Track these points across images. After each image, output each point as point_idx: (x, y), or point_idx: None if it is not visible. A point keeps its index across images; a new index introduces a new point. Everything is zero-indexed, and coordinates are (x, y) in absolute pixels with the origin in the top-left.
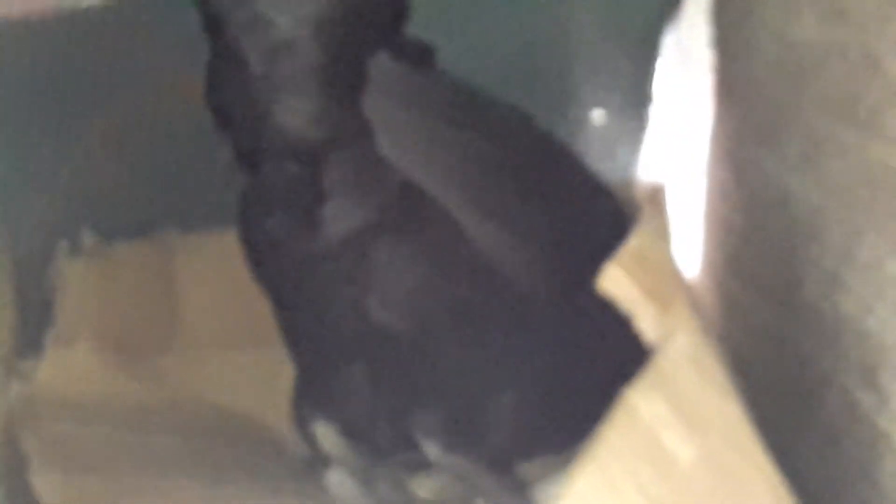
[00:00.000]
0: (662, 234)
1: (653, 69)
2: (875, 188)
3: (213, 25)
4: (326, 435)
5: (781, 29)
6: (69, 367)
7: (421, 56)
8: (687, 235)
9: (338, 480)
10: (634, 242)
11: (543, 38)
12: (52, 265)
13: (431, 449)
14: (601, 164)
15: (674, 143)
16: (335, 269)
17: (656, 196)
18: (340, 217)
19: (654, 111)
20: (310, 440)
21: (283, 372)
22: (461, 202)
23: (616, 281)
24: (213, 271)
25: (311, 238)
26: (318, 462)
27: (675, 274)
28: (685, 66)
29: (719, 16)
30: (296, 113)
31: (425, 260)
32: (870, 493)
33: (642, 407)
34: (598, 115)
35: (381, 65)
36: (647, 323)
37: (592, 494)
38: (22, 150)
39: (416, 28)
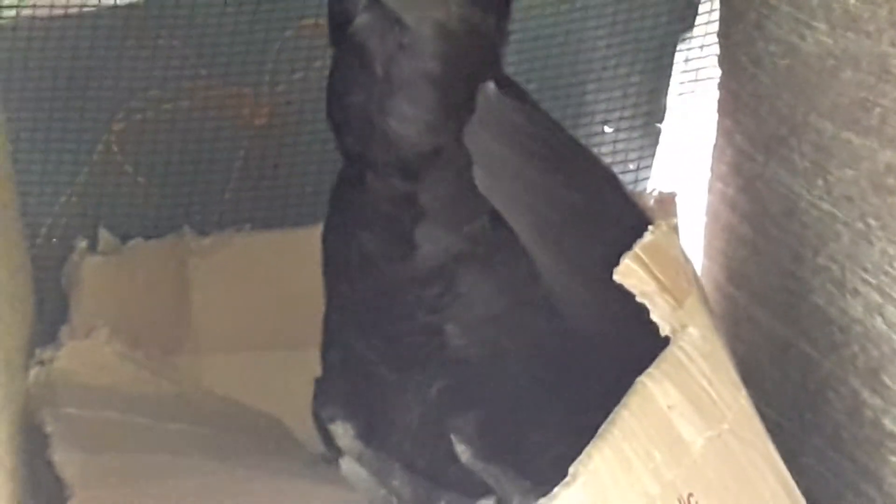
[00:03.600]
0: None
1: (664, 85)
2: (885, 193)
3: (341, 25)
4: (344, 435)
5: (792, 41)
6: (85, 356)
7: (518, 92)
8: (695, 246)
9: (350, 468)
10: (650, 238)
11: (558, 54)
12: (69, 263)
13: (465, 452)
14: None
15: (684, 157)
16: (421, 295)
17: (667, 206)
18: (434, 242)
19: (666, 125)
20: (326, 436)
21: (292, 373)
22: (538, 240)
23: (633, 274)
24: (226, 273)
25: (402, 261)
26: (330, 452)
27: (688, 270)
28: (695, 82)
29: (729, 34)
30: (407, 120)
31: (505, 293)
32: (875, 493)
33: (657, 394)
34: (610, 129)
35: (488, 94)
36: (662, 315)
37: (608, 473)
38: (42, 150)
39: None
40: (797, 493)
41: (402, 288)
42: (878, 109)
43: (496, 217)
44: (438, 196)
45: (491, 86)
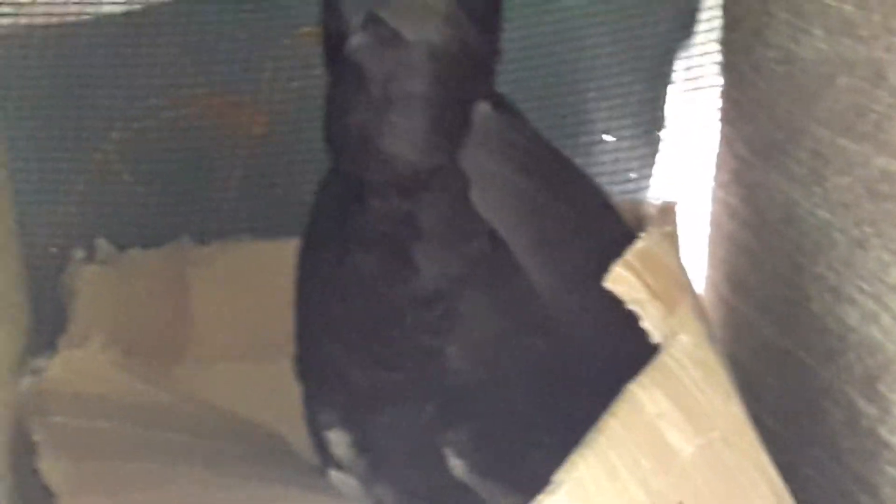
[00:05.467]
0: (674, 248)
1: (665, 94)
2: (879, 199)
3: (336, 44)
4: (339, 443)
5: (789, 47)
6: (79, 365)
7: (510, 110)
8: (694, 254)
9: (342, 479)
10: (642, 245)
11: (557, 62)
12: (66, 272)
13: (459, 466)
14: (614, 185)
15: (684, 166)
16: (420, 318)
17: (667, 215)
18: (433, 263)
19: (667, 134)
20: (319, 443)
21: (292, 383)
22: (535, 256)
23: (624, 281)
24: (225, 282)
25: (402, 283)
26: (324, 463)
27: (681, 277)
28: (696, 91)
29: (729, 42)
30: (406, 140)
31: (505, 313)
32: (871, 502)
33: (646, 401)
34: (610, 138)
35: (483, 114)
36: (653, 322)
37: (592, 481)
38: (39, 157)
39: None
40: (790, 499)
41: (401, 310)
42: (872, 115)
43: (493, 237)
44: (437, 216)
45: (485, 105)
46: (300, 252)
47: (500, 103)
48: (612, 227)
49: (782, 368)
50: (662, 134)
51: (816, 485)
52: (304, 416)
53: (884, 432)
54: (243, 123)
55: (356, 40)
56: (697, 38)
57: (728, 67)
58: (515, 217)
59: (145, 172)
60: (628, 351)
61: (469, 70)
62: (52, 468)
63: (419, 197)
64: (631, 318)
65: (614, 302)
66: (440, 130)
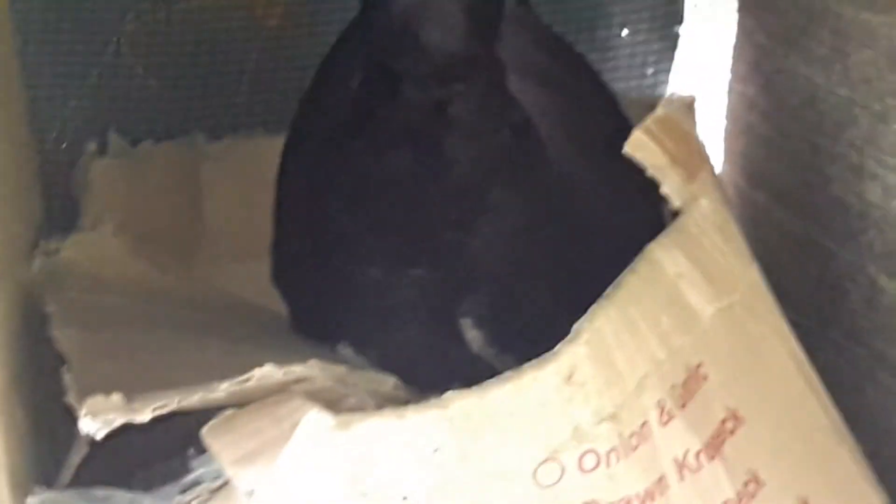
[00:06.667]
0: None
1: None
2: None
3: None
4: (346, 354)
5: None
6: (92, 248)
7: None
8: (715, 151)
9: (348, 352)
10: (662, 112)
11: None
12: (78, 165)
13: (474, 336)
14: (631, 80)
15: (702, 60)
16: (448, 213)
17: (687, 110)
18: (464, 154)
19: (684, 29)
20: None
21: None
22: (565, 135)
23: (644, 146)
24: (239, 177)
25: (433, 178)
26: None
27: (700, 146)
28: None
29: None
30: (445, 26)
31: (531, 205)
32: (891, 381)
33: (666, 262)
34: (628, 32)
35: (512, 4)
36: (673, 188)
37: (612, 333)
38: (51, 52)
39: None
40: (809, 367)
41: (428, 206)
42: None
43: (521, 128)
44: (469, 107)
45: None
46: (292, 150)
47: None
48: (621, 116)
49: (801, 255)
50: (679, 29)
51: (835, 367)
52: (293, 327)
53: None
54: (258, 15)
55: None
56: None
57: None
58: (548, 98)
59: (158, 65)
60: (648, 230)
61: None
62: (64, 336)
63: (452, 87)
64: (653, 197)
65: (640, 179)
66: (478, 17)
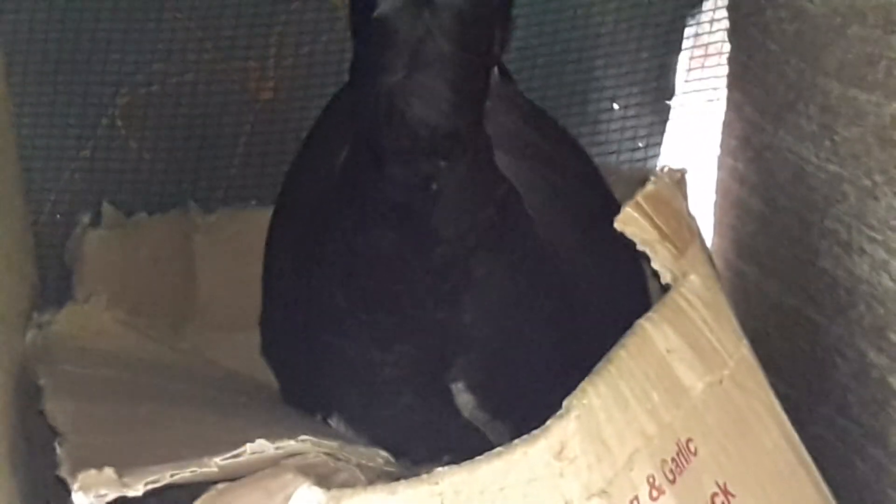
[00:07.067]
0: (682, 194)
1: (673, 62)
2: (890, 146)
3: (364, 11)
4: (338, 427)
5: (799, 4)
6: (84, 320)
7: (509, 76)
8: (705, 224)
9: (340, 425)
10: (652, 187)
11: (566, 29)
12: (72, 237)
13: (466, 401)
14: (622, 153)
15: (693, 134)
16: (435, 288)
17: (677, 184)
18: (450, 229)
19: (675, 103)
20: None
21: None
22: (550, 207)
23: (634, 222)
24: (231, 249)
25: (418, 253)
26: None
27: (690, 220)
28: (704, 57)
29: (738, 6)
30: (431, 101)
31: (518, 276)
32: (881, 455)
33: (656, 337)
34: (619, 106)
35: (496, 77)
36: (663, 263)
37: (602, 409)
38: (46, 124)
39: None
40: (798, 442)
41: (415, 282)
42: (883, 62)
43: (506, 201)
44: (455, 182)
45: (496, 72)
46: (279, 224)
47: (504, 71)
48: (605, 188)
49: (791, 329)
50: (670, 102)
51: (825, 441)
52: (284, 399)
53: (894, 381)
54: (250, 89)
55: (387, 4)
56: (705, 5)
57: (736, 32)
58: (535, 172)
59: (151, 138)
60: (636, 301)
61: (490, 35)
62: (56, 409)
63: (438, 163)
64: (637, 269)
65: (624, 252)
66: (464, 93)
